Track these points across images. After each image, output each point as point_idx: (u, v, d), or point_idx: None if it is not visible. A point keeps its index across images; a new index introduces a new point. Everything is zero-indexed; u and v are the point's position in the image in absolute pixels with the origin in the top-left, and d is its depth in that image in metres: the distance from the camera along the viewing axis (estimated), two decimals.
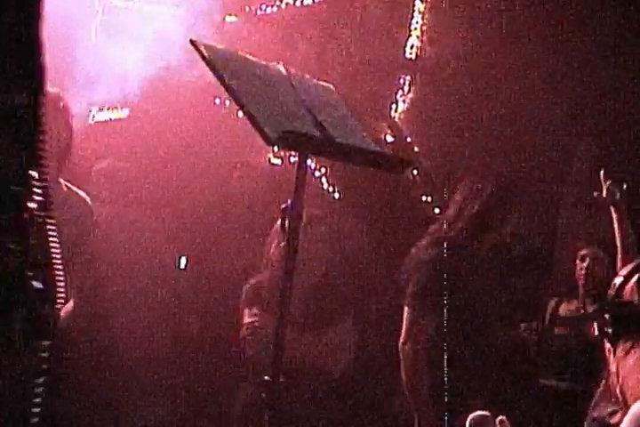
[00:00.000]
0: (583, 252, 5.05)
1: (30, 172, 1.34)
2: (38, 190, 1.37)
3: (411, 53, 6.52)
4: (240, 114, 2.67)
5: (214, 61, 2.58)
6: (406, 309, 3.93)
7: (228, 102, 3.11)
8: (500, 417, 2.33)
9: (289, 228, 2.58)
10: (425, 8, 6.49)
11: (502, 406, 3.54)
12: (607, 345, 2.33)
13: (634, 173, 5.62)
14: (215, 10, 5.48)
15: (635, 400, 2.21)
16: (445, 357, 3.86)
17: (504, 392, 3.91)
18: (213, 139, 5.19)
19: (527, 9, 6.12)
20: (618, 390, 2.28)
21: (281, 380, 2.44)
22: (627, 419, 2.17)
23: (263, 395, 2.44)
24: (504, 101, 5.98)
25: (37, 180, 1.36)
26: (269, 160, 5.76)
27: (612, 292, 2.35)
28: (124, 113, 5.50)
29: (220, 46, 2.81)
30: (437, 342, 3.86)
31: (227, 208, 5.15)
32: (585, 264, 4.98)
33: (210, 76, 2.57)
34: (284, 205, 2.59)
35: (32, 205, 1.36)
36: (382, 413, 4.14)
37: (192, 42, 2.59)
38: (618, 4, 5.88)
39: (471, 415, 2.28)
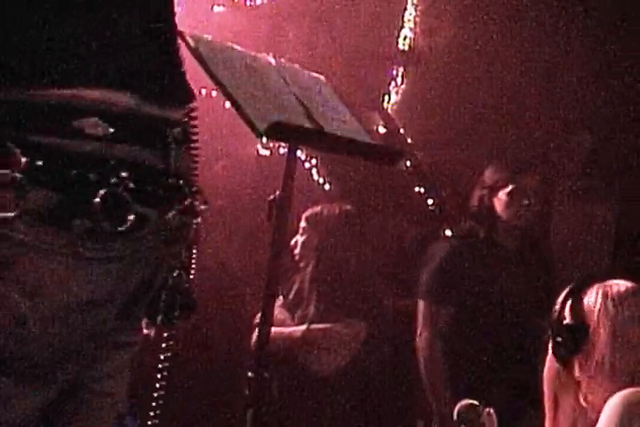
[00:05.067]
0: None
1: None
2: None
3: (404, 45, 6.49)
4: (227, 105, 2.64)
5: (201, 52, 2.55)
6: (420, 301, 3.94)
7: (214, 93, 3.08)
8: (488, 409, 2.32)
9: (276, 220, 2.55)
10: None
11: (519, 398, 3.55)
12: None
13: (627, 164, 5.61)
14: None
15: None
16: (462, 348, 3.87)
17: (521, 383, 3.91)
18: (199, 130, 5.13)
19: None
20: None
21: (265, 376, 2.42)
22: (606, 410, 2.15)
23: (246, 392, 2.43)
24: (498, 93, 5.97)
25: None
26: (258, 151, 5.73)
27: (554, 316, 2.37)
28: None
29: (207, 36, 2.78)
30: (453, 333, 3.87)
31: (212, 200, 5.10)
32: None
33: (196, 66, 2.53)
34: (271, 197, 2.57)
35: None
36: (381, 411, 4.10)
37: (179, 32, 2.55)
38: None
39: (459, 404, 2.28)
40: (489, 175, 4.06)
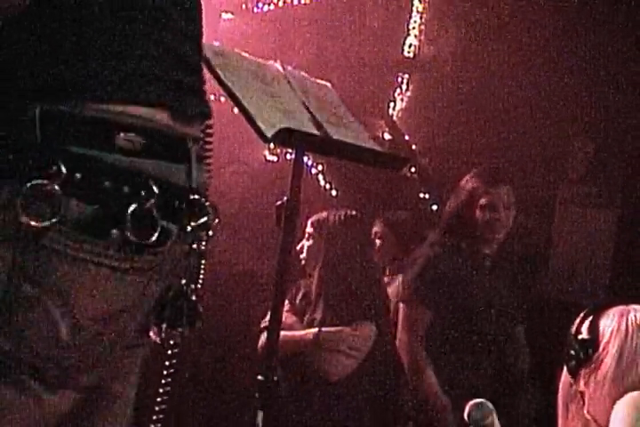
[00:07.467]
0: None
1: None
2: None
3: (409, 52, 6.51)
4: (235, 111, 2.66)
5: (209, 58, 2.57)
6: (400, 305, 3.96)
7: (222, 99, 3.11)
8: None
9: (284, 226, 2.57)
10: (423, 7, 6.48)
11: (503, 401, 3.56)
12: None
13: (628, 171, 5.63)
14: (211, 6, 5.47)
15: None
16: (444, 350, 3.88)
17: (505, 387, 3.92)
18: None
19: (525, 7, 6.12)
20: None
21: (274, 379, 2.43)
22: (617, 412, 2.18)
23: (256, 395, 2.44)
24: (501, 100, 5.98)
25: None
26: (265, 157, 5.75)
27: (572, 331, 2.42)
28: None
29: (215, 43, 2.81)
30: (434, 336, 3.88)
31: (220, 205, 5.11)
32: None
33: (204, 72, 2.55)
34: (279, 203, 2.58)
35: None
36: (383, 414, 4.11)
37: None
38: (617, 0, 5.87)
39: (469, 403, 2.30)
40: (463, 185, 4.08)
